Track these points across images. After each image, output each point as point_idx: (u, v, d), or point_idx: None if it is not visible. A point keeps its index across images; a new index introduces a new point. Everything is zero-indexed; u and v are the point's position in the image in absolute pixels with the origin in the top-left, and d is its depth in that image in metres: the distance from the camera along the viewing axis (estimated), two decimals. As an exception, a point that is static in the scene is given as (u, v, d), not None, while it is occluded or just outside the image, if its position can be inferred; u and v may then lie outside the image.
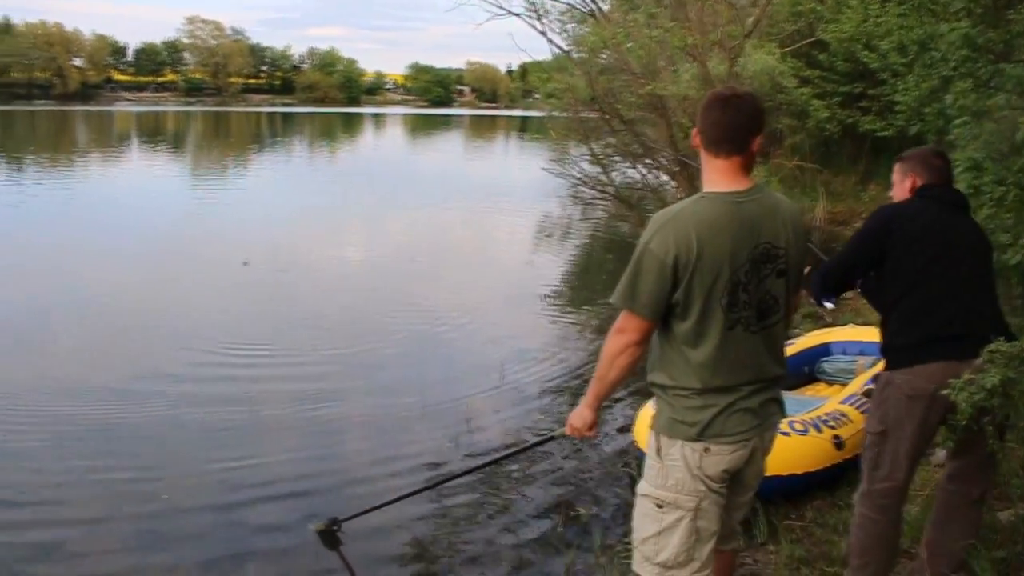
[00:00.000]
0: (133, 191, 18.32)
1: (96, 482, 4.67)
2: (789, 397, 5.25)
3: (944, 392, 2.52)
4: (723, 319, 2.33)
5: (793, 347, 5.77)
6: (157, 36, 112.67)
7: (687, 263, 2.27)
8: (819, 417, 4.38)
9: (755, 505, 4.00)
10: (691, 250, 2.27)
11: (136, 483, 4.67)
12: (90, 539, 4.09)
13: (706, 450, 2.39)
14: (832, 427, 4.34)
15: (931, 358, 2.78)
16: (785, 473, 4.14)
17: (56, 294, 8.93)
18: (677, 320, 2.37)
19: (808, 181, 14.05)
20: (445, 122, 64.61)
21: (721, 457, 2.40)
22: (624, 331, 2.40)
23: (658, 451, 2.46)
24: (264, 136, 45.07)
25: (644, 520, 2.51)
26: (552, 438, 3.13)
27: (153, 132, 45.05)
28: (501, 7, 11.00)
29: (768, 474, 4.05)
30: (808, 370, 5.67)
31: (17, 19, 76.59)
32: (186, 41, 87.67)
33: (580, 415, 2.63)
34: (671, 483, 2.43)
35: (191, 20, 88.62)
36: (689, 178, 9.22)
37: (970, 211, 3.11)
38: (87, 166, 24.62)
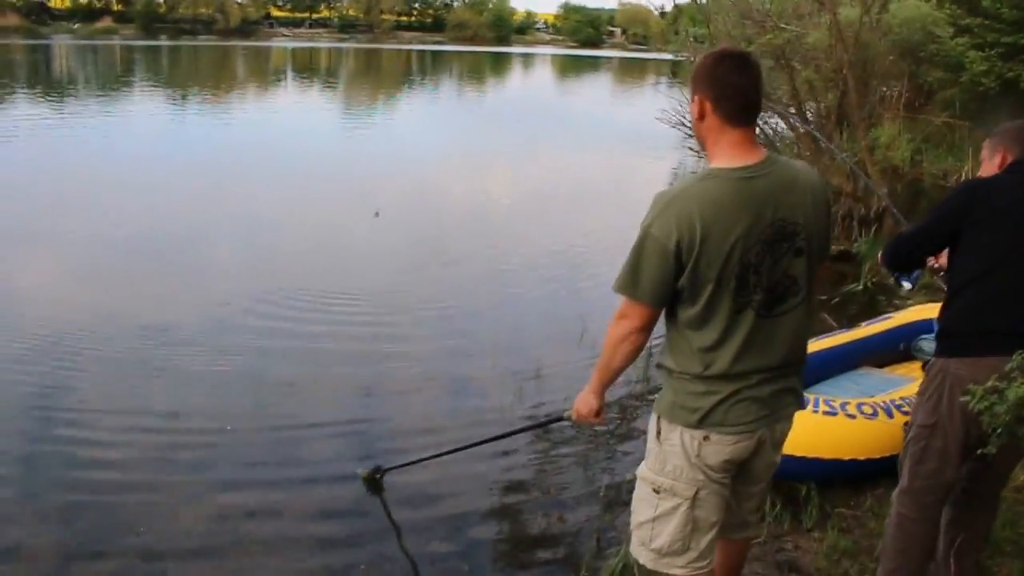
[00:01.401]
0: (281, 130, 18.93)
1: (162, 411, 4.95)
2: (876, 374, 5.12)
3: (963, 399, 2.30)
4: (730, 303, 2.18)
5: (891, 321, 5.44)
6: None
7: (691, 247, 2.12)
8: (893, 401, 4.10)
9: (809, 489, 3.88)
10: (695, 233, 2.11)
11: (201, 412, 4.92)
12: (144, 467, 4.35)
13: (706, 438, 2.27)
14: (906, 412, 4.05)
15: (992, 351, 2.52)
16: (847, 458, 3.94)
17: (178, 226, 9.48)
18: (682, 305, 2.23)
19: (957, 140, 13.03)
20: (594, 64, 63.55)
21: (722, 447, 2.27)
22: (626, 317, 2.28)
23: (658, 434, 2.36)
24: (413, 74, 45.80)
25: (641, 504, 2.43)
26: (561, 419, 3.05)
27: (307, 69, 46.57)
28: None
29: (829, 456, 3.97)
30: (904, 347, 5.31)
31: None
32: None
33: (585, 401, 2.54)
34: (669, 469, 2.33)
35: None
36: (810, 137, 8.73)
37: None
38: (243, 102, 25.84)
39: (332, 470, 4.31)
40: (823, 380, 4.99)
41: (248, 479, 4.26)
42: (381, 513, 3.95)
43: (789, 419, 2.40)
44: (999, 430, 2.20)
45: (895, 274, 3.26)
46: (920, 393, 2.85)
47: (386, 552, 3.69)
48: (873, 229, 8.34)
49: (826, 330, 6.02)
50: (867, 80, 9.22)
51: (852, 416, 3.97)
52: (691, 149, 8.87)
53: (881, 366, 5.25)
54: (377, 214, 10.28)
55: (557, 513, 3.98)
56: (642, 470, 2.42)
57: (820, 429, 3.95)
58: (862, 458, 3.93)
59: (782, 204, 2.18)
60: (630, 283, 2.22)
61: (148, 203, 10.51)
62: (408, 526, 3.85)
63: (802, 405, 2.42)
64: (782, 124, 9.19)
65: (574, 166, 15.05)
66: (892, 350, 5.28)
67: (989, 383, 2.20)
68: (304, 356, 5.78)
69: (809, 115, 9.39)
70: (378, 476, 4.09)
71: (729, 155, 2.19)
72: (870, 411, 4.02)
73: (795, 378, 2.36)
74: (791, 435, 3.87)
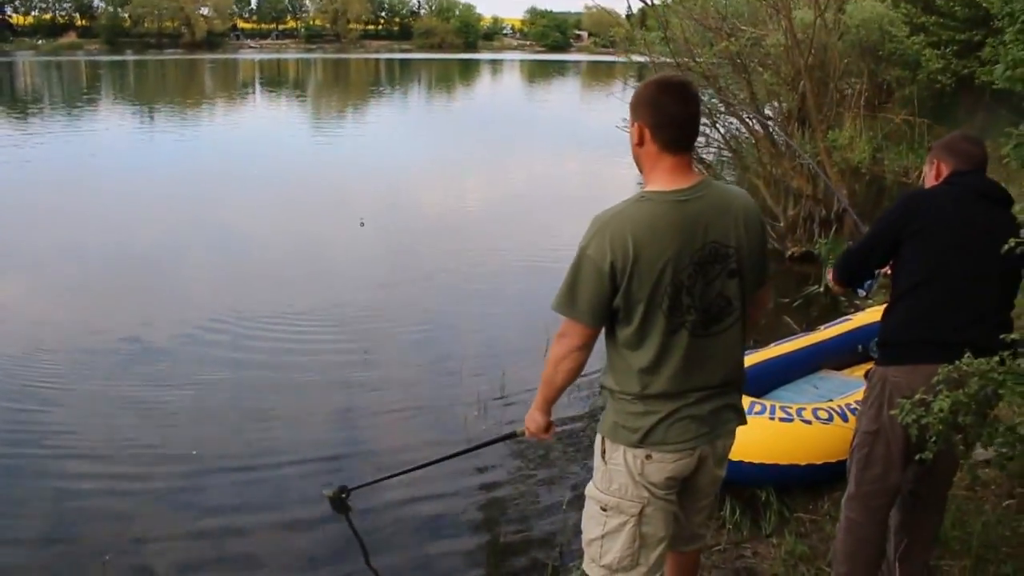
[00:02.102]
0: (253, 141, 19.09)
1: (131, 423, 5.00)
2: (835, 377, 5.20)
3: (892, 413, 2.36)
4: (664, 323, 2.23)
5: (849, 323, 5.52)
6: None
7: (624, 268, 2.18)
8: (849, 405, 4.16)
9: (768, 495, 3.94)
10: (627, 254, 2.17)
11: (167, 436, 4.92)
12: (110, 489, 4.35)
13: (648, 457, 2.32)
14: (862, 416, 4.13)
15: (928, 360, 2.57)
16: (804, 463, 4.00)
17: (145, 244, 9.47)
18: (619, 325, 2.29)
19: (917, 137, 13.23)
20: (561, 69, 63.78)
21: (664, 465, 2.32)
22: (566, 336, 2.34)
23: (603, 454, 2.41)
24: (382, 83, 45.73)
25: (590, 522, 2.47)
26: (514, 435, 3.10)
27: (275, 80, 46.41)
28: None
29: (786, 462, 4.03)
30: (862, 348, 5.40)
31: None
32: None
33: (533, 418, 2.60)
34: (614, 487, 2.38)
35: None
36: (770, 140, 8.82)
37: (1008, 203, 2.82)
38: (212, 115, 25.81)
39: (299, 491, 4.32)
40: (784, 384, 5.07)
41: (214, 503, 4.26)
42: (348, 532, 3.96)
43: (731, 435, 2.44)
44: (933, 437, 2.25)
45: (846, 284, 3.31)
46: (863, 400, 2.91)
47: (353, 571, 3.73)
48: (833, 230, 8.45)
49: (787, 333, 6.11)
50: (825, 81, 9.33)
51: (808, 421, 4.04)
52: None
53: (841, 368, 5.33)
54: (362, 223, 10.44)
55: (521, 527, 4.03)
56: (590, 488, 2.47)
57: (777, 435, 4.01)
58: (819, 462, 3.99)
59: (714, 227, 2.23)
60: (567, 303, 2.27)
61: (114, 220, 10.55)
62: (374, 544, 3.89)
63: (743, 421, 2.47)
64: (742, 128, 9.27)
65: (544, 174, 15.18)
66: (851, 352, 5.36)
67: (917, 396, 2.26)
68: (269, 377, 5.77)
69: (769, 118, 9.47)
70: (344, 496, 4.09)
71: (664, 179, 2.24)
72: (825, 416, 4.09)
73: (735, 395, 2.42)
74: (750, 442, 4.01)
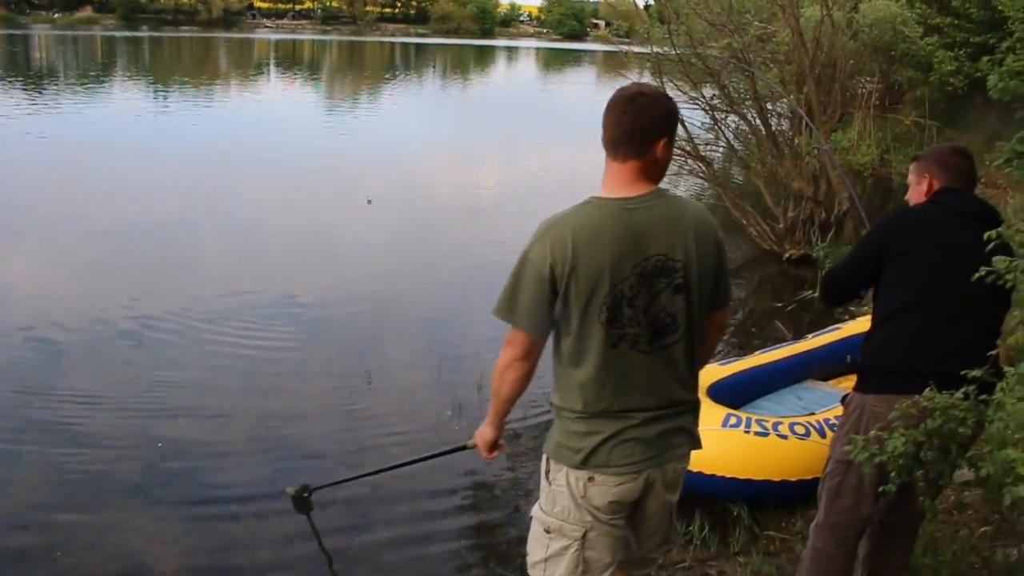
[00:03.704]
0: (266, 122, 18.98)
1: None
2: (820, 388, 5.07)
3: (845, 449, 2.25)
4: (604, 336, 2.13)
5: (838, 332, 5.39)
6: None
7: (562, 274, 2.09)
8: (827, 420, 4.05)
9: (740, 511, 3.83)
10: (566, 260, 2.08)
11: (130, 433, 4.81)
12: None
13: (590, 479, 2.22)
14: (841, 432, 4.01)
15: (907, 390, 2.44)
16: (778, 479, 3.89)
17: (161, 218, 9.48)
18: (561, 335, 2.20)
19: (927, 139, 13.02)
20: (577, 57, 63.37)
21: (607, 488, 2.22)
22: (510, 344, 2.24)
23: (546, 474, 2.32)
24: (397, 67, 45.51)
25: (534, 543, 2.38)
26: (465, 447, 2.99)
27: (290, 60, 46.22)
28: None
29: (760, 478, 3.92)
30: (851, 359, 5.24)
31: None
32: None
33: (481, 433, 2.50)
34: (557, 509, 2.28)
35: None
36: (772, 138, 8.67)
37: (996, 223, 2.69)
38: (226, 94, 25.67)
39: (262, 490, 4.24)
40: (767, 394, 4.95)
41: (174, 496, 4.18)
42: (309, 532, 3.87)
43: (682, 459, 2.33)
44: (895, 472, 2.14)
45: (833, 304, 3.21)
46: (839, 427, 2.81)
47: (312, 571, 3.66)
48: (832, 232, 8.30)
49: (777, 339, 5.99)
50: (830, 83, 9.15)
51: (784, 436, 3.93)
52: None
53: (828, 378, 5.21)
54: (369, 201, 10.39)
55: (486, 537, 3.94)
56: (535, 509, 2.38)
57: (752, 450, 3.91)
58: (794, 479, 3.89)
59: (661, 239, 2.13)
60: (507, 308, 2.19)
61: (119, 198, 10.52)
62: (334, 545, 3.79)
63: (697, 444, 2.36)
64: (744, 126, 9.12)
65: (555, 163, 14.96)
66: (839, 362, 5.20)
67: (872, 432, 2.15)
68: (239, 373, 5.64)
69: (773, 117, 9.32)
70: (306, 495, 3.99)
71: (613, 186, 2.16)
72: (802, 431, 3.98)
73: (687, 417, 2.30)
74: (724, 456, 3.90)
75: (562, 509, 2.27)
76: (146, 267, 7.81)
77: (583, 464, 2.21)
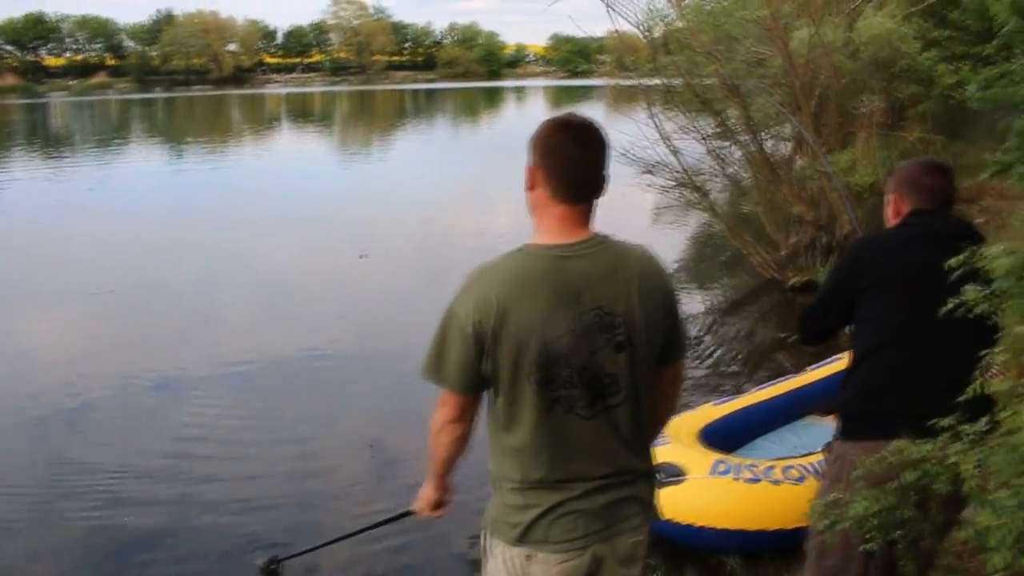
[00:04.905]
0: (278, 174, 19.23)
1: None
2: (821, 424, 4.80)
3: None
4: (537, 399, 1.91)
5: (839, 363, 5.11)
6: (305, 19, 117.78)
7: (487, 330, 1.87)
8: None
9: (734, 565, 3.57)
10: (491, 315, 1.86)
11: (92, 497, 4.72)
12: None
13: (528, 557, 1.99)
14: (840, 472, 3.76)
15: (887, 435, 2.20)
16: (772, 528, 3.63)
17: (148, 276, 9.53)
18: (493, 397, 1.99)
19: (933, 155, 12.76)
20: (584, 93, 63.67)
21: (548, 567, 1.99)
22: (442, 405, 2.04)
23: (485, 550, 2.09)
24: (407, 114, 45.90)
25: (479, 625, 2.15)
26: (409, 513, 2.76)
27: (301, 113, 46.75)
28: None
29: (753, 528, 3.66)
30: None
31: (177, 11, 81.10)
32: (331, 22, 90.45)
33: (422, 495, 2.30)
34: (498, 587, 2.05)
35: (336, 1, 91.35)
36: (768, 164, 8.47)
37: (977, 242, 2.47)
38: (240, 149, 26.15)
39: (232, 561, 4.03)
40: (765, 433, 4.72)
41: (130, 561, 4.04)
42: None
43: (635, 531, 2.08)
44: (869, 535, 1.91)
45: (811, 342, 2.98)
46: (822, 476, 2.57)
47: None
48: (833, 257, 8.04)
49: (777, 374, 5.75)
50: (826, 103, 8.95)
51: (776, 482, 3.68)
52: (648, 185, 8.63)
53: (831, 412, 4.94)
54: (362, 256, 10.23)
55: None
56: (479, 589, 2.15)
57: (743, 498, 3.67)
58: (789, 527, 3.61)
59: (598, 290, 1.92)
60: (433, 367, 1.98)
61: (127, 259, 10.63)
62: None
63: (653, 515, 2.12)
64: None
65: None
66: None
67: (832, 495, 1.91)
68: (205, 438, 5.49)
69: (768, 140, 9.13)
70: (274, 566, 3.79)
71: (550, 232, 1.95)
72: (797, 475, 3.73)
73: (638, 486, 2.06)
74: (714, 506, 3.66)
75: (502, 588, 2.04)
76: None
77: (520, 540, 1.98)
